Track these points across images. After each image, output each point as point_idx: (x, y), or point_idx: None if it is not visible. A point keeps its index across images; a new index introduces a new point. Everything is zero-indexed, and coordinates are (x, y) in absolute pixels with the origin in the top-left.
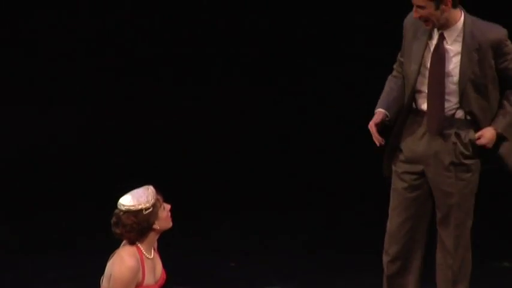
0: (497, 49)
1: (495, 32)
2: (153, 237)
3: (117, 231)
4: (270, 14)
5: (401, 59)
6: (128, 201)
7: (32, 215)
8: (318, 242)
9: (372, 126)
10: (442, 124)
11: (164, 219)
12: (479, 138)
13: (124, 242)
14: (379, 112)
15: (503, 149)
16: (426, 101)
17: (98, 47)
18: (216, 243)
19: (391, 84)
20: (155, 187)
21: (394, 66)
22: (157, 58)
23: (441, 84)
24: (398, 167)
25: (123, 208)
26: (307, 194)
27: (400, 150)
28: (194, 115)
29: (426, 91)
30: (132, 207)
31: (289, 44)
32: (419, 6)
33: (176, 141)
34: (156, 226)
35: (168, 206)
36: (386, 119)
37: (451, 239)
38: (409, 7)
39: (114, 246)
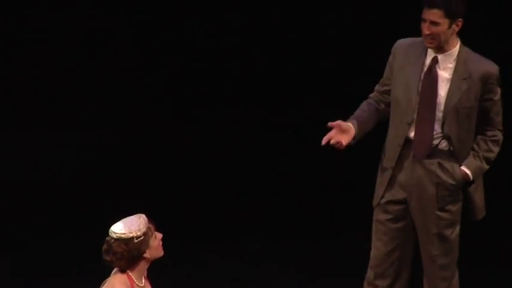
0: (486, 83)
1: (488, 65)
2: (143, 266)
3: (108, 258)
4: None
5: (385, 88)
6: (119, 229)
7: (22, 243)
8: (311, 270)
9: (332, 124)
10: (430, 150)
11: (155, 248)
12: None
13: (115, 270)
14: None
15: (471, 187)
16: (414, 127)
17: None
18: (207, 271)
19: (364, 107)
20: (147, 216)
21: (371, 95)
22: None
23: (432, 109)
24: (382, 197)
25: (114, 236)
26: (298, 222)
27: (385, 179)
28: (185, 143)
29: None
30: (123, 235)
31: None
32: (433, 23)
33: (168, 170)
34: (147, 255)
35: (159, 235)
36: (352, 140)
37: (438, 272)
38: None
39: (105, 274)
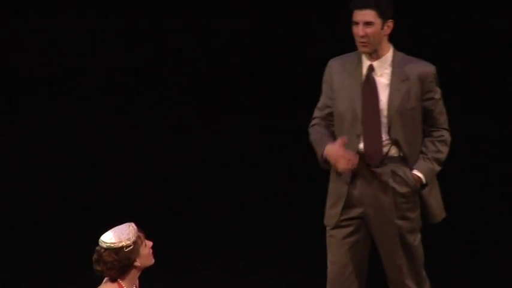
0: (424, 82)
1: (424, 65)
2: (134, 274)
3: (98, 268)
4: None
5: (327, 110)
6: (109, 238)
7: (10, 253)
8: (308, 281)
9: (338, 150)
10: (382, 157)
11: (145, 256)
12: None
13: (106, 279)
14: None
15: (425, 190)
16: (363, 138)
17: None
18: (200, 280)
19: (321, 131)
20: (137, 224)
21: (314, 122)
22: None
23: (377, 116)
24: (340, 216)
25: (104, 245)
26: (298, 232)
27: (341, 197)
28: (179, 150)
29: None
30: (113, 245)
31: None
32: (367, 23)
33: (159, 177)
34: (138, 263)
35: (149, 243)
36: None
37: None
38: None
39: (96, 283)
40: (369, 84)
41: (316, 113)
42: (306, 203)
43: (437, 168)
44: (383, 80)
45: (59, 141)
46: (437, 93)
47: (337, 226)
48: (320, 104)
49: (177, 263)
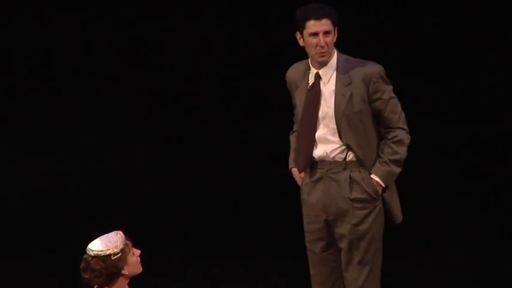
0: (369, 83)
1: (367, 66)
2: (123, 282)
3: (86, 276)
4: None
5: (296, 118)
6: (96, 246)
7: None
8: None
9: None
10: (310, 161)
11: (133, 264)
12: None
13: (95, 287)
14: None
15: (386, 193)
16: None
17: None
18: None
19: (293, 143)
20: (125, 232)
21: (295, 128)
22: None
23: (312, 122)
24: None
25: (91, 253)
26: (287, 239)
27: (305, 203)
28: (166, 155)
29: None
30: (100, 253)
31: None
32: (326, 33)
33: (148, 185)
34: (125, 271)
35: (137, 252)
36: None
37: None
38: None
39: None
40: (312, 92)
41: (294, 119)
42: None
43: (396, 169)
44: (329, 86)
45: (46, 148)
46: (386, 93)
47: (312, 240)
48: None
49: (167, 269)
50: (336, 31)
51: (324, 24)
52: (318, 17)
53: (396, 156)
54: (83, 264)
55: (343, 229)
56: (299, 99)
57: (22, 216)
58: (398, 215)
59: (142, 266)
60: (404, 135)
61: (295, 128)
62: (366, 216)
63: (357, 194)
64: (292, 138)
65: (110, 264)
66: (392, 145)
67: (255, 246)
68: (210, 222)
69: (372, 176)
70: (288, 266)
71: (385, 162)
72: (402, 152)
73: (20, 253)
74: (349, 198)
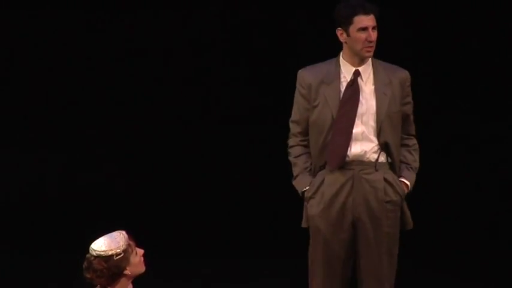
0: (403, 86)
1: (401, 70)
2: (125, 282)
3: (88, 276)
4: None
5: (303, 125)
6: (99, 246)
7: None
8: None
9: None
10: (344, 159)
11: (136, 264)
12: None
13: (98, 287)
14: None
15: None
16: (330, 139)
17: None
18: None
19: (300, 161)
20: (128, 232)
21: (291, 143)
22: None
23: (351, 119)
24: (323, 224)
25: (94, 253)
26: (289, 240)
27: (328, 209)
28: (171, 154)
29: None
30: (102, 253)
31: None
32: (374, 28)
33: (152, 184)
34: (128, 272)
35: (140, 251)
36: None
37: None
38: None
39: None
40: (352, 89)
41: (293, 127)
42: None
43: (415, 177)
44: (369, 83)
45: (49, 151)
46: (411, 100)
47: (332, 255)
48: (296, 117)
49: (169, 269)
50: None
51: (372, 19)
52: (367, 12)
53: (417, 165)
54: (85, 264)
55: (374, 231)
56: (330, 97)
57: (24, 216)
58: (410, 221)
59: (146, 265)
60: (417, 145)
61: (295, 141)
62: (396, 218)
63: (392, 196)
64: (300, 159)
65: (112, 265)
66: (413, 153)
67: (247, 247)
68: (205, 222)
69: (404, 180)
70: (282, 268)
71: (412, 168)
72: (418, 161)
73: (24, 252)
74: (384, 200)
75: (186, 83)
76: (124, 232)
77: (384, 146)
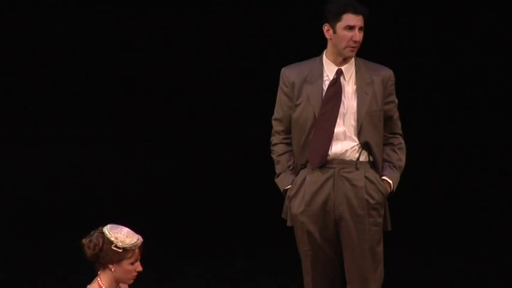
0: (386, 85)
1: (384, 69)
2: (111, 278)
3: (84, 241)
4: None
5: (284, 122)
6: (112, 228)
7: (9, 254)
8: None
9: None
10: (326, 158)
11: (124, 271)
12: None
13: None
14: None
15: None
16: (312, 137)
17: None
18: (193, 285)
19: (283, 159)
20: (144, 243)
21: (274, 141)
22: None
23: (332, 118)
24: (308, 223)
25: (104, 230)
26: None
27: (308, 206)
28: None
29: None
30: (108, 235)
31: None
32: (361, 28)
33: (155, 185)
34: (112, 268)
35: (139, 267)
36: None
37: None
38: None
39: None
40: (335, 88)
41: (276, 125)
42: None
43: (399, 176)
44: (351, 83)
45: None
46: (396, 98)
47: (316, 243)
48: (279, 115)
49: (165, 267)
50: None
51: (360, 20)
52: (356, 12)
53: (401, 164)
54: (92, 231)
55: (355, 229)
56: (312, 96)
57: (43, 211)
58: (388, 223)
59: (133, 284)
60: (404, 144)
61: (278, 138)
62: (379, 216)
63: (373, 195)
64: (283, 157)
65: (106, 249)
66: (398, 152)
67: (241, 247)
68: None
69: (386, 178)
70: (277, 267)
71: (395, 167)
72: (404, 160)
73: (30, 246)
74: (365, 198)
75: (187, 82)
76: (141, 239)
77: (364, 145)
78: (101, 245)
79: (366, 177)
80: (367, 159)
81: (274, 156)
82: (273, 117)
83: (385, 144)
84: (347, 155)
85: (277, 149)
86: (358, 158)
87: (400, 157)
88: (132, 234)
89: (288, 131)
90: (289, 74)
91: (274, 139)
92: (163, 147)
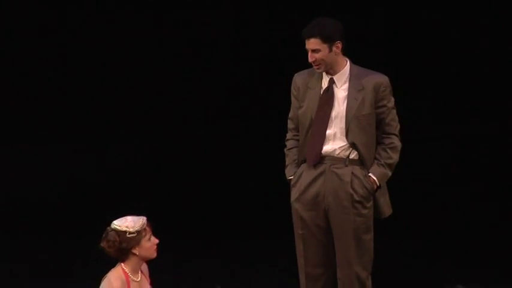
0: (378, 91)
1: (378, 76)
2: (135, 261)
3: (102, 245)
4: None
5: (295, 121)
6: (119, 222)
7: (39, 245)
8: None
9: None
10: (319, 156)
11: (146, 248)
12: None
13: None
14: None
15: (377, 192)
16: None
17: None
18: (204, 269)
19: (291, 153)
20: (149, 220)
21: (288, 137)
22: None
23: (325, 121)
24: (305, 214)
25: (113, 226)
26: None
27: (302, 196)
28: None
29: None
30: (118, 227)
31: None
32: (314, 50)
33: (168, 175)
34: (136, 251)
35: (155, 240)
36: None
37: (352, 277)
38: None
39: (107, 270)
40: (327, 95)
41: (289, 124)
42: None
43: (389, 172)
44: (342, 90)
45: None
46: (390, 102)
47: (308, 226)
48: (291, 114)
49: (183, 252)
50: (333, 46)
51: (312, 43)
52: (307, 37)
53: (390, 161)
54: (104, 234)
55: (341, 219)
56: (311, 100)
57: (58, 205)
58: (385, 211)
59: (158, 253)
60: (398, 143)
61: (289, 135)
62: (362, 208)
63: (357, 189)
64: (292, 152)
65: (123, 240)
66: (388, 150)
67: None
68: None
69: (370, 175)
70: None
71: (382, 165)
72: (396, 157)
73: (53, 238)
74: (350, 192)
75: (187, 81)
76: (145, 218)
77: (352, 145)
78: (118, 239)
79: (352, 173)
80: (356, 158)
81: (285, 149)
82: (288, 116)
83: (378, 144)
84: (337, 153)
85: (288, 144)
86: (347, 156)
87: (389, 155)
88: (136, 218)
89: (298, 129)
90: (297, 79)
91: (288, 135)
92: (172, 138)
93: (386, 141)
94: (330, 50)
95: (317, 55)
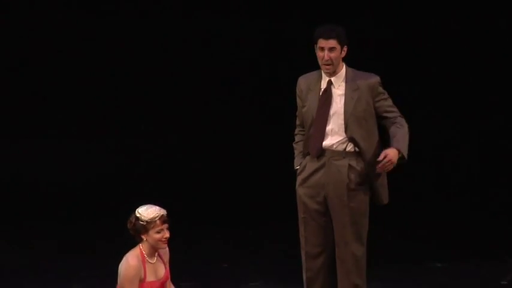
0: (373, 90)
1: (371, 76)
2: (149, 246)
3: (127, 223)
4: None
5: (300, 118)
6: (141, 208)
7: (68, 225)
8: (297, 249)
9: None
10: (321, 149)
11: (153, 238)
12: (385, 157)
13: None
14: None
15: (377, 181)
16: (312, 134)
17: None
18: (211, 249)
19: (299, 146)
20: (168, 215)
21: (296, 133)
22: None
23: (325, 118)
24: (307, 201)
25: (136, 210)
26: (287, 205)
27: (305, 183)
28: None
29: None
30: (136, 213)
31: None
32: (331, 49)
33: (179, 162)
34: (145, 238)
35: (165, 234)
36: None
37: (348, 255)
38: None
39: (127, 250)
40: (326, 95)
41: (297, 121)
42: None
43: (407, 140)
44: (339, 91)
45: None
46: (385, 94)
47: (309, 210)
48: (297, 112)
49: (193, 234)
50: (342, 49)
51: (330, 42)
52: (327, 37)
53: (404, 130)
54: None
55: (339, 204)
56: (312, 101)
57: (85, 195)
58: (383, 199)
59: (169, 247)
60: (401, 118)
61: (297, 131)
62: (358, 195)
63: (352, 178)
64: (299, 145)
65: (136, 225)
66: (398, 122)
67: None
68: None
69: (393, 148)
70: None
71: (399, 140)
72: (406, 125)
73: (83, 219)
74: (346, 181)
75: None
76: (164, 211)
77: (351, 139)
78: (133, 221)
79: (349, 164)
80: (352, 150)
81: (293, 143)
82: (295, 114)
83: (390, 126)
84: (335, 147)
85: (296, 138)
86: (345, 149)
87: (401, 124)
88: (153, 210)
89: (303, 125)
90: (301, 82)
91: (296, 130)
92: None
93: (396, 120)
94: (340, 52)
95: (332, 54)
